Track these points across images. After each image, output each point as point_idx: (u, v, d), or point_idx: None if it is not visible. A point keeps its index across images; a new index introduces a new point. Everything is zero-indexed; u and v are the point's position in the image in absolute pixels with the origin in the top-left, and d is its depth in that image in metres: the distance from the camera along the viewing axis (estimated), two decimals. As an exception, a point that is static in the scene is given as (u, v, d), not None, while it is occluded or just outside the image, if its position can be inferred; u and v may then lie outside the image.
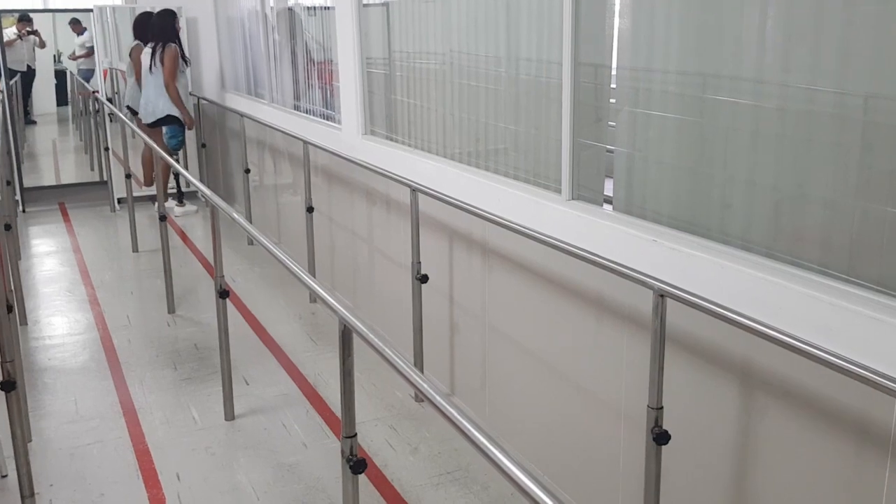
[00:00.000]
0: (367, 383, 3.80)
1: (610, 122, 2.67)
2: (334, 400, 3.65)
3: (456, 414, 1.49)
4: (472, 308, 3.39)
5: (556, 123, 2.80)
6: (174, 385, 3.83)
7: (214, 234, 3.39)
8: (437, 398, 1.54)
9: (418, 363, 3.60)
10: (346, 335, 1.98)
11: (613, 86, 2.64)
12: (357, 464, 2.02)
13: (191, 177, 4.07)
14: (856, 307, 1.75)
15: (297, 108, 5.84)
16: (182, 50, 6.66)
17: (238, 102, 6.52)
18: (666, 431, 2.10)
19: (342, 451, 2.06)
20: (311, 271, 4.88)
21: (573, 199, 2.70)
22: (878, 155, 1.85)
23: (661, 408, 2.12)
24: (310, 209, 4.76)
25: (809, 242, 2.01)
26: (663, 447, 2.14)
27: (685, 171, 2.41)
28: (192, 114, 6.91)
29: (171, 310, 4.77)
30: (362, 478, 3.01)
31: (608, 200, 2.71)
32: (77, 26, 7.97)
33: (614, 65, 2.62)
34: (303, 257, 5.04)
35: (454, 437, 3.29)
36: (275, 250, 2.69)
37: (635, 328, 2.40)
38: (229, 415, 3.50)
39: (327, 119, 5.16)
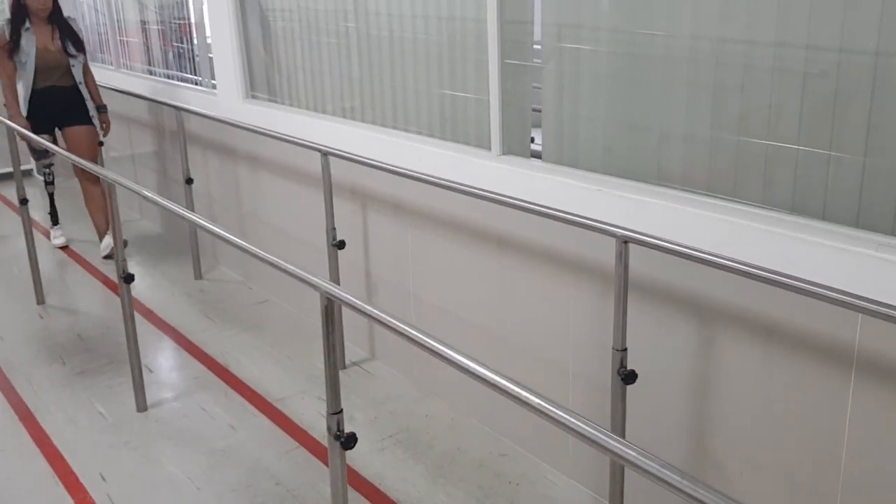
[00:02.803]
0: (281, 357, 3.69)
1: (535, 84, 2.72)
2: (251, 377, 3.52)
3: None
4: (394, 271, 3.36)
5: (478, 80, 2.80)
6: (68, 381, 3.53)
7: (113, 212, 3.13)
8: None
9: (338, 331, 3.54)
10: (329, 309, 1.91)
11: (538, 45, 2.67)
12: (348, 439, 1.97)
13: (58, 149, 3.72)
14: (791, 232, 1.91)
15: (150, 73, 5.46)
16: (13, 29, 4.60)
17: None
18: (633, 371, 2.21)
19: (329, 428, 2.00)
20: (194, 246, 4.63)
21: (504, 154, 2.73)
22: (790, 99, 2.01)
23: (626, 349, 2.22)
24: (188, 181, 4.49)
25: (749, 180, 2.16)
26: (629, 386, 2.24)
27: (613, 121, 2.50)
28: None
29: (41, 300, 4.38)
30: (303, 454, 2.95)
31: (536, 155, 2.76)
32: None
33: (538, 20, 2.65)
34: (183, 232, 4.76)
35: (386, 400, 3.31)
36: (183, 212, 2.53)
37: (587, 276, 2.49)
38: (141, 406, 3.28)
39: (186, 83, 4.88)
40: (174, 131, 4.58)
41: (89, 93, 4.81)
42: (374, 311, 1.80)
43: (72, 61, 4.67)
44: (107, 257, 4.83)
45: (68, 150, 4.50)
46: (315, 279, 1.93)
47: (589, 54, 2.50)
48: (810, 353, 1.96)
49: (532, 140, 2.81)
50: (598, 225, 2.20)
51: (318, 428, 3.11)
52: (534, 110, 2.77)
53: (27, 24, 4.54)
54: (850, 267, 1.83)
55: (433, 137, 3.10)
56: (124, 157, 5.87)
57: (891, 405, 1.82)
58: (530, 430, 2.83)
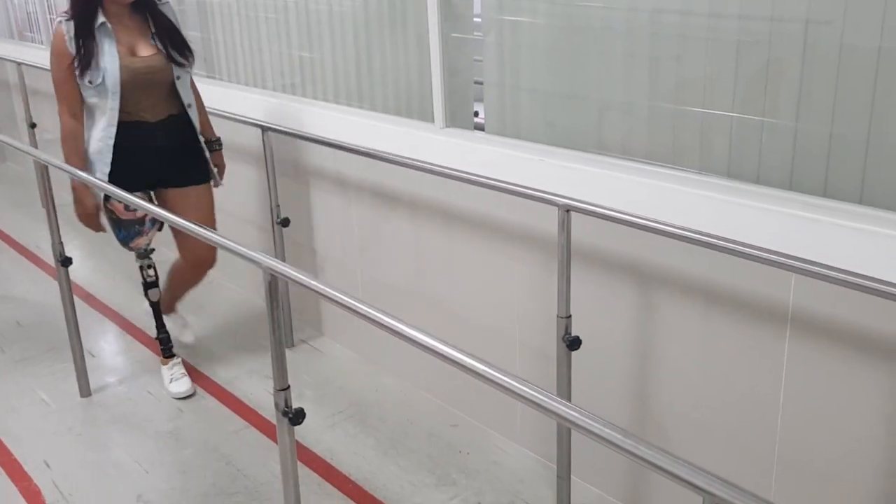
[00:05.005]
0: (228, 337, 3.66)
1: (476, 57, 2.72)
2: (198, 359, 3.48)
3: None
4: (340, 247, 3.35)
5: (420, 53, 2.79)
6: (7, 369, 3.44)
7: (47, 193, 3.04)
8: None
9: (283, 307, 3.51)
10: (272, 285, 1.89)
11: (478, 18, 2.67)
12: (296, 414, 1.97)
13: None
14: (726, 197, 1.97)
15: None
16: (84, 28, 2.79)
17: (5, 49, 5.77)
18: (577, 338, 2.24)
19: (276, 405, 1.99)
20: (134, 228, 4.52)
21: (447, 126, 2.73)
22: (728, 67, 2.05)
23: (570, 316, 2.25)
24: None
25: (686, 147, 2.20)
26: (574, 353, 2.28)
27: (554, 92, 2.51)
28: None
29: (-26, 288, 4.25)
30: (254, 433, 2.94)
31: (480, 128, 2.76)
32: None
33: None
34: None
35: (336, 376, 3.31)
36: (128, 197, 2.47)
37: (531, 245, 2.52)
38: (85, 391, 3.22)
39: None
40: (110, 111, 4.45)
41: (201, 123, 3.02)
42: (317, 284, 1.79)
43: (177, 72, 2.85)
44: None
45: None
46: (257, 255, 1.92)
47: (529, 26, 2.50)
48: (748, 314, 2.02)
49: (476, 114, 2.82)
50: (541, 194, 2.23)
51: (268, 407, 3.08)
52: (476, 83, 2.78)
53: (100, 19, 2.71)
54: (783, 228, 1.89)
55: (376, 111, 3.08)
56: (58, 140, 5.68)
57: (823, 360, 1.89)
58: (480, 401, 2.86)
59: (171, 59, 2.82)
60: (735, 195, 2.00)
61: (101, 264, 4.56)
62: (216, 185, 3.09)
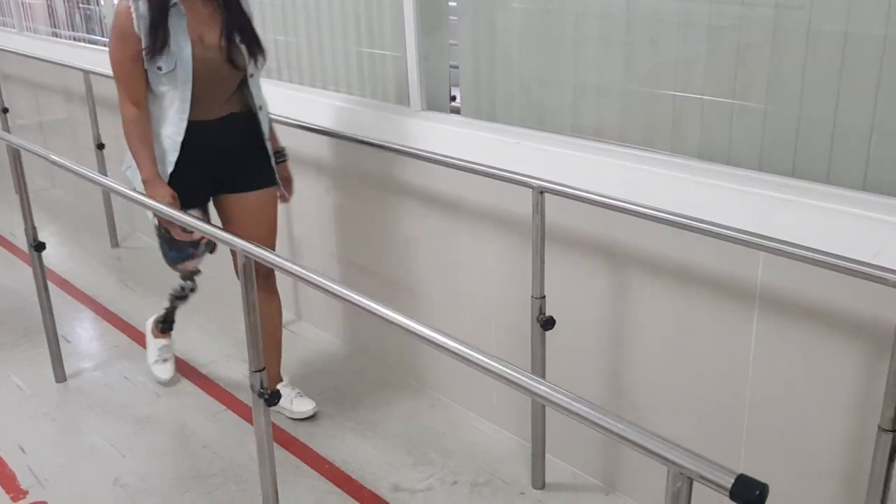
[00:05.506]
0: (205, 322, 3.65)
1: (452, 41, 2.72)
2: (175, 344, 3.46)
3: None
4: (318, 231, 3.35)
5: (395, 37, 2.79)
6: (-19, 355, 3.42)
7: (19, 178, 3.02)
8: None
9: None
10: (247, 267, 1.90)
11: (453, 2, 2.67)
12: (272, 395, 1.98)
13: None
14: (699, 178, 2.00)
15: (55, 35, 5.24)
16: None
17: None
18: (551, 317, 2.27)
19: (252, 387, 2.01)
20: (109, 213, 4.50)
21: (424, 109, 2.74)
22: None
23: (544, 297, 2.28)
24: (100, 146, 4.34)
25: (659, 129, 2.23)
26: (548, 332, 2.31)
27: (529, 75, 2.53)
28: None
29: (-52, 274, 4.20)
30: (231, 416, 2.94)
31: (456, 111, 2.78)
32: None
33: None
34: (97, 200, 4.62)
35: (313, 359, 3.32)
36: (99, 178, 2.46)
37: (506, 227, 2.53)
38: (60, 376, 3.20)
39: (94, 45, 4.70)
40: (83, 95, 4.41)
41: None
42: (293, 266, 1.80)
43: (250, 70, 2.54)
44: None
45: (233, 230, 2.51)
46: (232, 238, 1.92)
47: (503, 10, 2.51)
48: (718, 293, 2.06)
49: (454, 99, 2.83)
50: (515, 176, 2.24)
51: (246, 390, 3.08)
52: (452, 67, 2.78)
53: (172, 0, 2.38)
54: (754, 208, 1.92)
55: (353, 95, 3.07)
56: (31, 125, 5.63)
57: (790, 337, 1.93)
58: (456, 382, 2.89)
59: (239, 56, 2.47)
60: (707, 176, 2.03)
61: (76, 251, 4.53)
62: (284, 200, 2.75)
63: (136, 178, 2.50)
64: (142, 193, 2.42)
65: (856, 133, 1.85)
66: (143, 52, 2.36)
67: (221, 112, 2.52)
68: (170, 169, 2.47)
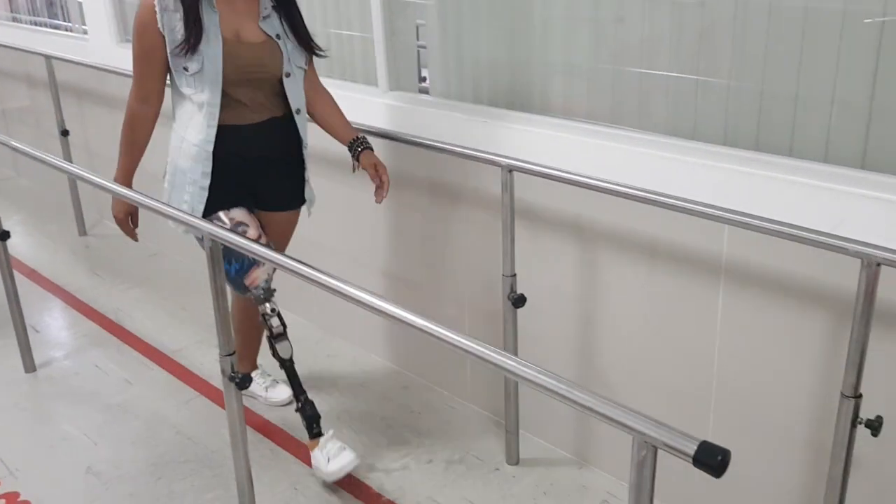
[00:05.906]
0: (175, 309, 3.62)
1: (419, 20, 2.71)
2: (145, 331, 3.45)
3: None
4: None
5: (362, 17, 2.77)
6: (-53, 347, 3.37)
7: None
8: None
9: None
10: (214, 251, 1.88)
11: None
12: (243, 379, 1.98)
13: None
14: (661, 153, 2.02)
15: (15, 20, 5.14)
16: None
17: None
18: (522, 295, 2.28)
19: (223, 371, 2.00)
20: (76, 201, 4.44)
21: (392, 90, 2.73)
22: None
23: (515, 275, 2.29)
24: (64, 133, 4.27)
25: (626, 106, 2.24)
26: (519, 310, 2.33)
27: (497, 54, 2.53)
28: None
29: (-90, 266, 4.11)
30: (204, 402, 2.93)
31: (424, 91, 2.77)
32: None
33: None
34: (63, 188, 4.55)
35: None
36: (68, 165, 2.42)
37: (476, 206, 2.54)
38: (29, 366, 3.17)
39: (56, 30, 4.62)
40: (46, 82, 4.33)
41: (331, 126, 2.45)
42: (261, 249, 1.80)
43: (287, 69, 2.27)
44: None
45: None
46: (200, 222, 1.90)
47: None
48: (684, 266, 2.08)
49: (424, 79, 2.82)
50: (484, 155, 2.25)
51: (218, 376, 3.08)
52: (420, 47, 2.77)
53: None
54: (719, 182, 1.94)
55: (319, 76, 3.04)
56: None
57: (754, 307, 1.96)
58: (430, 362, 2.90)
59: (308, 48, 2.29)
60: (673, 151, 2.05)
61: (43, 240, 4.47)
62: (378, 199, 2.39)
63: (174, 192, 2.28)
64: (161, 201, 2.14)
65: (817, 107, 1.88)
66: (168, 52, 2.13)
67: (261, 116, 2.26)
68: (206, 182, 2.21)
